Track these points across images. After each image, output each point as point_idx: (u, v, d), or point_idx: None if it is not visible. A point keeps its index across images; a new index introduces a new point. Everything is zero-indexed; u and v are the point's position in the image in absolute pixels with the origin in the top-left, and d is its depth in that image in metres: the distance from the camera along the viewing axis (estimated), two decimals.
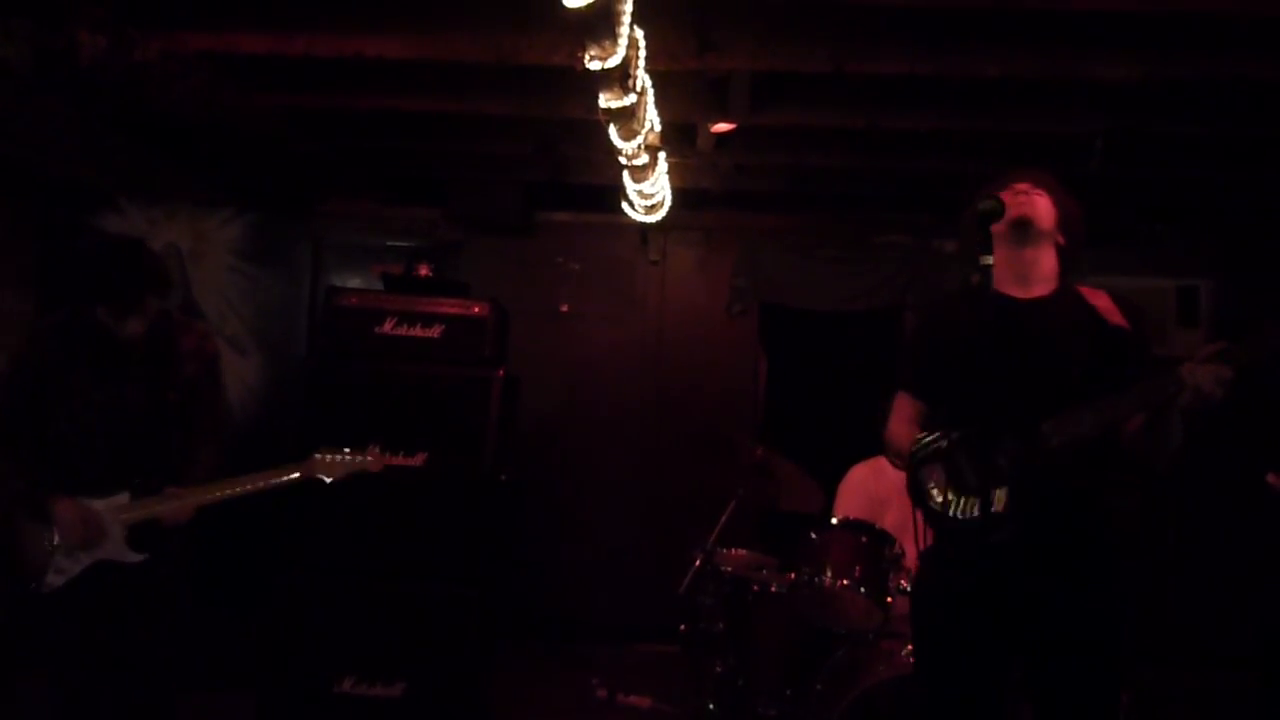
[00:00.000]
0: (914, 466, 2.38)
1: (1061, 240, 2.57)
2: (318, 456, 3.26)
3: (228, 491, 3.14)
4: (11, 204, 5.92)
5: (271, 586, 4.13)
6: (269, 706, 4.07)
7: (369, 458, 3.30)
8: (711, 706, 4.04)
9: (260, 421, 6.08)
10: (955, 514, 2.32)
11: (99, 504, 3.03)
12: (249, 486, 3.17)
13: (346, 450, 3.28)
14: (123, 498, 3.05)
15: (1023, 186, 2.54)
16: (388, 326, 4.31)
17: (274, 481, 3.21)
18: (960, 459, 2.32)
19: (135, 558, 3.06)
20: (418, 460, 4.14)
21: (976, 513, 2.28)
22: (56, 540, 3.02)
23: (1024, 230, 2.51)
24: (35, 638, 3.13)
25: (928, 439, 2.39)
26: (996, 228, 2.44)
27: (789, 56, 3.78)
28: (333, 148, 5.62)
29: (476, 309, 4.34)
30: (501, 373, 4.32)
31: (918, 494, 2.38)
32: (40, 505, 3.00)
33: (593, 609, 6.07)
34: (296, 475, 3.23)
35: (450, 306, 4.35)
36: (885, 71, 3.88)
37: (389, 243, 6.36)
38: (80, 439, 3.06)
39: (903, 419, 2.70)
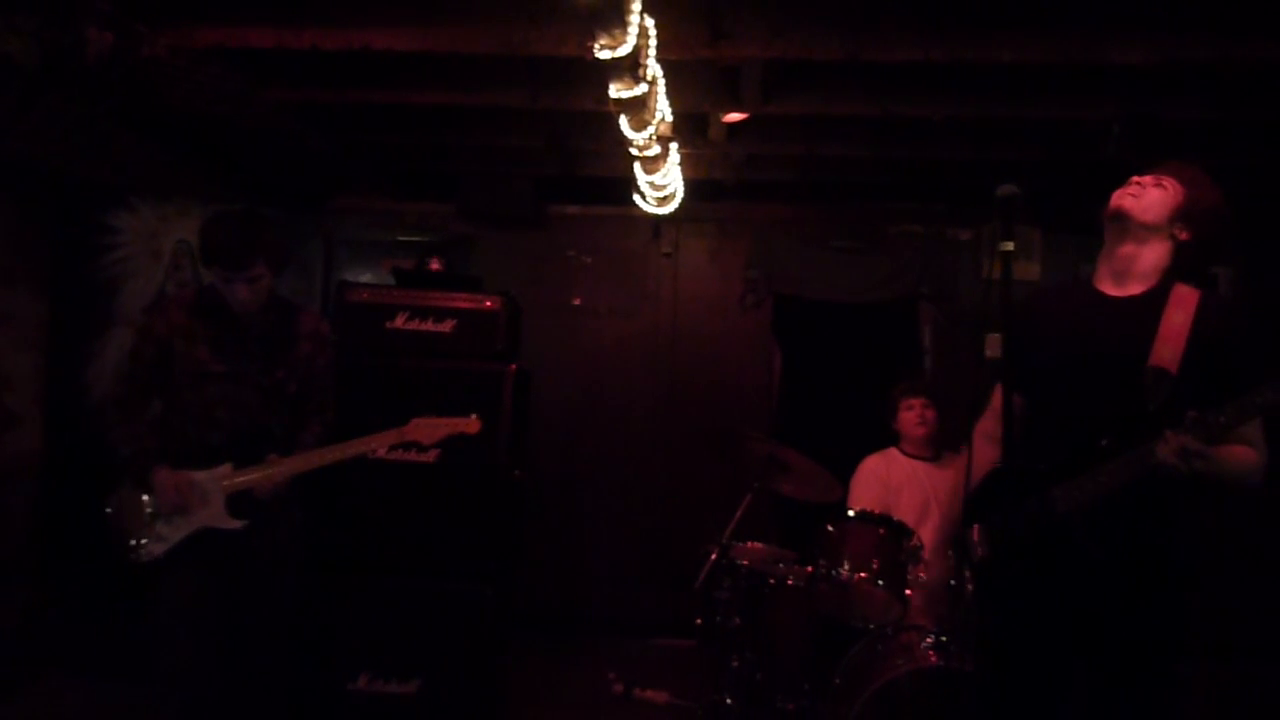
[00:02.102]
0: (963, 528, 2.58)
1: (1183, 235, 2.45)
2: (415, 422, 3.38)
3: (324, 459, 3.27)
4: (23, 204, 5.92)
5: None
6: (284, 704, 4.05)
7: (467, 420, 3.43)
8: (729, 701, 4.02)
9: None
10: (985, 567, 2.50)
11: (202, 474, 3.17)
12: (347, 452, 3.30)
13: (443, 414, 3.42)
14: (225, 468, 3.19)
15: (1139, 178, 2.48)
16: (399, 321, 4.30)
17: (372, 445, 3.36)
18: (994, 521, 2.49)
19: (235, 524, 3.19)
20: (430, 456, 4.12)
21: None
22: (153, 509, 3.16)
23: (1116, 223, 2.45)
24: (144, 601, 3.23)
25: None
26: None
27: (802, 44, 3.73)
28: (343, 143, 5.61)
29: (488, 303, 4.31)
30: (514, 367, 4.29)
31: (963, 551, 2.57)
32: (142, 472, 3.15)
33: (608, 603, 6.05)
34: (395, 440, 3.38)
35: (462, 301, 4.32)
36: (899, 59, 3.82)
37: (400, 238, 6.34)
38: (197, 410, 3.22)
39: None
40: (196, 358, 3.23)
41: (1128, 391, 2.33)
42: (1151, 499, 2.31)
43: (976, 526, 2.53)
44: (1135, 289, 2.47)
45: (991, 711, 2.55)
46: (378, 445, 3.40)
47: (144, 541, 3.17)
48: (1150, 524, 2.36)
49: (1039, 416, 2.56)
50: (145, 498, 3.18)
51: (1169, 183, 2.46)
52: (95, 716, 4.42)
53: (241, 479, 3.20)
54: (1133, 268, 2.48)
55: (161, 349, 3.23)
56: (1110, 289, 2.50)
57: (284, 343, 3.36)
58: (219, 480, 3.19)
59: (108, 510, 3.24)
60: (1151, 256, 2.46)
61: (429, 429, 3.39)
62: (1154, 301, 2.42)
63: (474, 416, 3.45)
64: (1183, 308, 2.38)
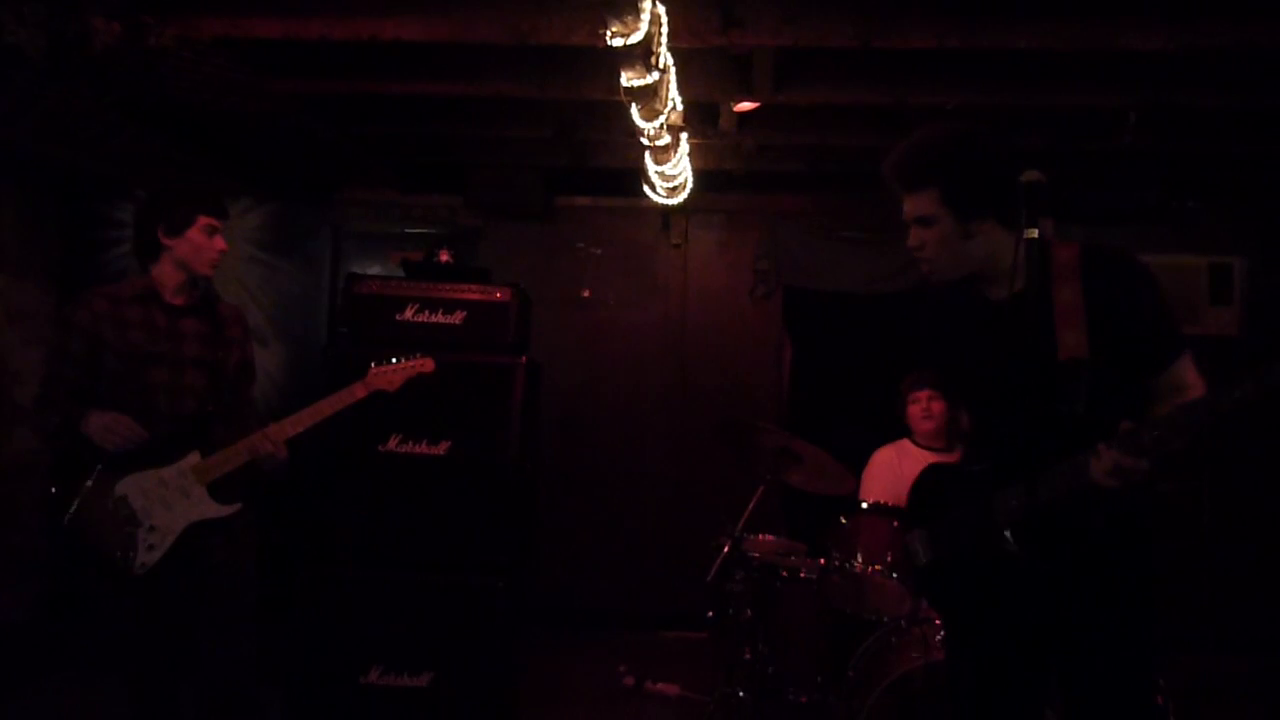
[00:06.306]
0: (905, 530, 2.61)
1: (954, 207, 2.29)
2: (374, 370, 3.35)
3: (306, 421, 3.16)
4: (30, 198, 5.92)
5: (296, 578, 4.10)
6: (296, 698, 4.05)
7: (421, 359, 3.44)
8: (741, 694, 4.00)
9: (282, 411, 6.04)
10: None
11: (171, 470, 3.00)
12: (325, 411, 3.20)
13: (396, 359, 3.40)
14: (193, 458, 3.03)
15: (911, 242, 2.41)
16: (409, 313, 4.26)
17: (344, 402, 3.26)
18: (935, 529, 2.48)
19: (227, 510, 3.05)
20: (441, 449, 4.10)
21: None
22: (127, 512, 2.96)
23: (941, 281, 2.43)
24: (139, 613, 3.04)
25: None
26: None
27: (814, 32, 3.70)
28: (351, 134, 5.58)
29: (499, 294, 4.28)
30: (525, 359, 4.26)
31: (909, 556, 2.58)
32: (74, 426, 2.90)
33: (619, 596, 6.04)
34: (363, 393, 3.29)
35: (472, 293, 4.29)
36: (913, 46, 3.79)
37: (408, 230, 6.33)
38: (137, 401, 3.00)
39: None
40: (131, 342, 3.02)
41: (1045, 392, 2.12)
42: (1095, 500, 2.11)
43: (918, 532, 2.51)
44: (1016, 285, 2.20)
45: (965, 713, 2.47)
46: (348, 400, 3.25)
47: (131, 554, 2.93)
48: (1096, 526, 2.20)
49: (975, 423, 2.59)
50: (111, 505, 2.94)
51: (912, 202, 2.35)
52: (103, 714, 4.41)
53: (219, 465, 3.03)
54: (989, 270, 2.32)
55: (89, 342, 2.99)
56: (994, 293, 2.35)
57: (215, 322, 3.20)
58: (193, 472, 3.01)
59: (68, 523, 2.93)
60: (984, 247, 2.30)
61: (388, 374, 3.35)
62: (1033, 298, 2.16)
63: (420, 355, 3.46)
64: (1068, 279, 2.17)
